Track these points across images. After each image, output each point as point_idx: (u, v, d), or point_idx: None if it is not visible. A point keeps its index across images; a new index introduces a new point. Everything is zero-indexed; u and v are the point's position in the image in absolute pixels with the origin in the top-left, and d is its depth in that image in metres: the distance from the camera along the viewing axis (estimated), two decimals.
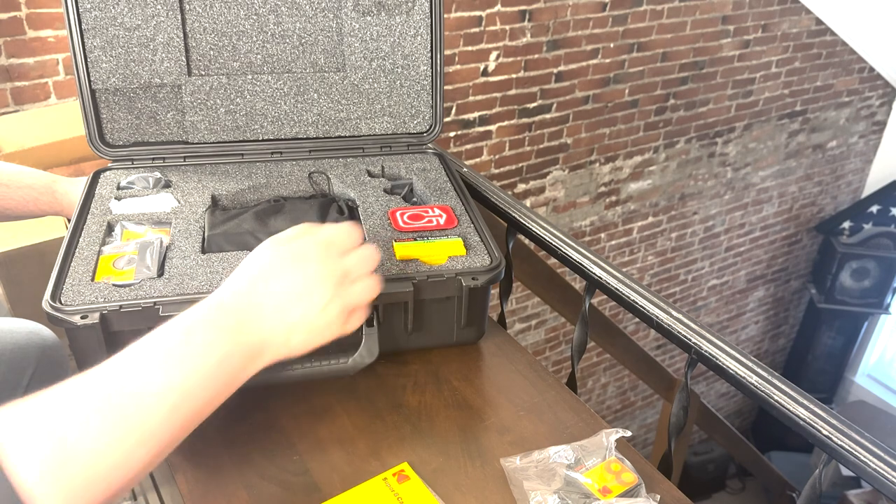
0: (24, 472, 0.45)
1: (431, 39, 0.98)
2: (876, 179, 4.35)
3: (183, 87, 0.94)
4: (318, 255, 0.60)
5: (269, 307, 0.57)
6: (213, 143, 0.97)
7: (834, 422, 0.66)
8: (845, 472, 3.34)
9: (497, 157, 2.82)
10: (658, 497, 0.65)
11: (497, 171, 2.85)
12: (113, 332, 0.69)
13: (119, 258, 0.76)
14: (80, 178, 0.94)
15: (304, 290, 0.58)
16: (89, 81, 0.90)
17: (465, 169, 1.09)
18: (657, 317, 0.81)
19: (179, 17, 0.91)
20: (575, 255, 0.91)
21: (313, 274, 0.59)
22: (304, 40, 0.96)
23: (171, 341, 0.53)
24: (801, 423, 0.67)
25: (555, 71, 2.78)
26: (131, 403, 0.50)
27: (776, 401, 0.69)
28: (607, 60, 2.90)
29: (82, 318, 0.67)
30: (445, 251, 0.80)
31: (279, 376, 0.72)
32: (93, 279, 0.73)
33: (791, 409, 0.68)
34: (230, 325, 0.55)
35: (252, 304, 0.57)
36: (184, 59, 0.92)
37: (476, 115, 2.67)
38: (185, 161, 0.96)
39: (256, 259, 0.60)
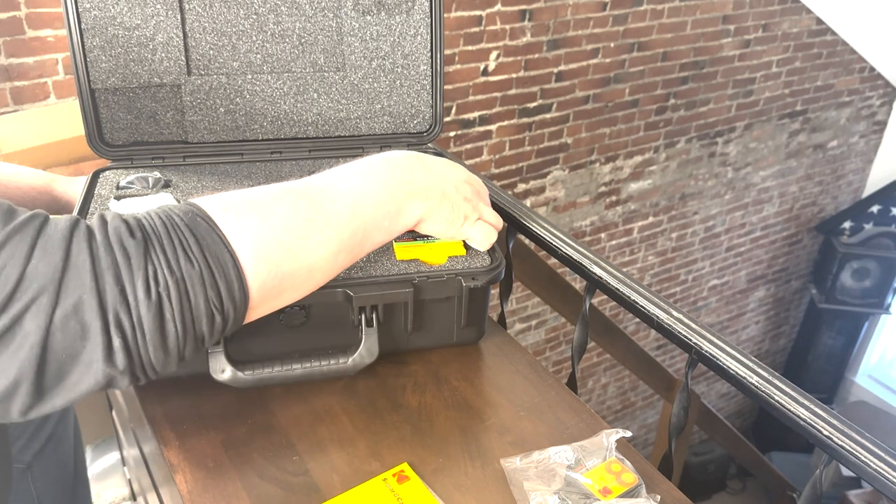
0: (222, 224, 0.52)
1: (431, 39, 0.98)
2: (876, 179, 4.35)
3: (182, 87, 0.94)
4: (468, 177, 0.77)
5: (430, 175, 0.71)
6: (213, 142, 0.97)
7: (834, 422, 0.66)
8: (846, 472, 3.33)
9: (497, 156, 2.82)
10: (658, 497, 0.65)
11: (497, 170, 2.85)
12: None
13: None
14: (79, 177, 0.94)
15: (453, 179, 0.74)
16: (89, 81, 0.90)
17: None
18: (657, 317, 0.81)
19: (179, 17, 0.91)
20: (575, 255, 0.91)
21: (460, 175, 0.75)
22: (303, 40, 0.96)
23: (355, 166, 0.66)
24: (802, 423, 0.67)
25: (555, 70, 2.78)
26: (324, 198, 0.60)
27: (777, 401, 0.69)
28: (607, 60, 2.90)
29: None
30: (445, 251, 0.80)
31: (279, 376, 0.72)
32: None
33: (791, 409, 0.68)
34: (400, 169, 0.69)
35: (412, 173, 0.70)
36: (183, 59, 0.92)
37: (476, 114, 2.66)
38: (184, 161, 0.96)
39: (421, 158, 0.73)
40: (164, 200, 0.87)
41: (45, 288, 0.45)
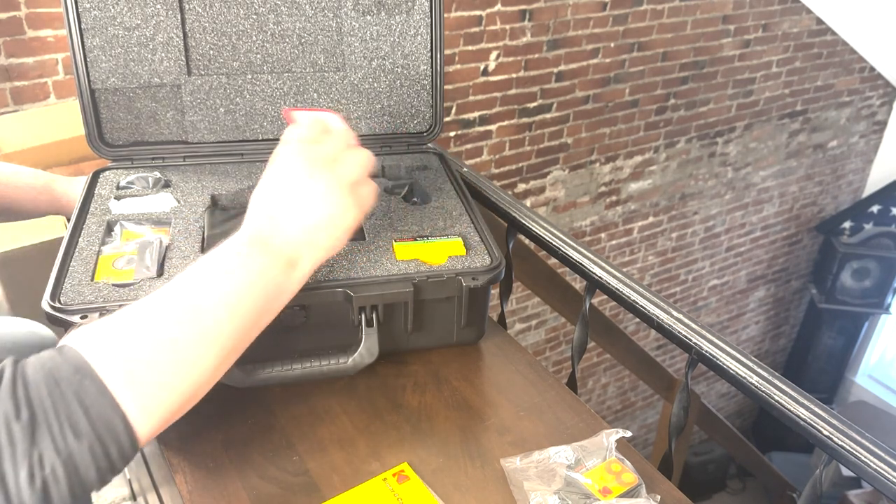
0: (108, 380, 0.50)
1: (431, 39, 0.98)
2: (876, 179, 4.35)
3: (182, 87, 0.94)
4: (296, 151, 0.65)
5: (284, 220, 0.63)
6: (213, 142, 0.97)
7: (834, 422, 0.66)
8: (846, 472, 3.33)
9: (497, 156, 2.82)
10: (658, 497, 0.65)
11: (497, 170, 2.85)
12: None
13: (119, 258, 0.76)
14: (79, 177, 0.94)
15: (300, 189, 0.63)
16: (89, 81, 0.90)
17: (465, 169, 1.08)
18: (657, 317, 0.81)
19: (179, 17, 0.91)
20: (575, 255, 0.91)
21: (301, 173, 0.64)
22: (303, 40, 0.96)
23: (218, 259, 0.60)
24: (802, 423, 0.67)
25: (555, 70, 2.78)
26: (191, 313, 0.56)
27: (777, 401, 0.69)
28: (608, 60, 2.90)
29: (82, 318, 0.67)
30: (445, 251, 0.80)
31: (279, 376, 0.72)
32: (92, 279, 0.73)
33: (791, 409, 0.68)
34: (258, 242, 0.62)
35: (271, 222, 0.63)
36: (183, 59, 0.92)
37: (476, 114, 2.66)
38: (184, 161, 0.96)
39: (261, 188, 0.65)
40: (163, 200, 0.87)
41: None
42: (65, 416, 0.48)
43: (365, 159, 0.66)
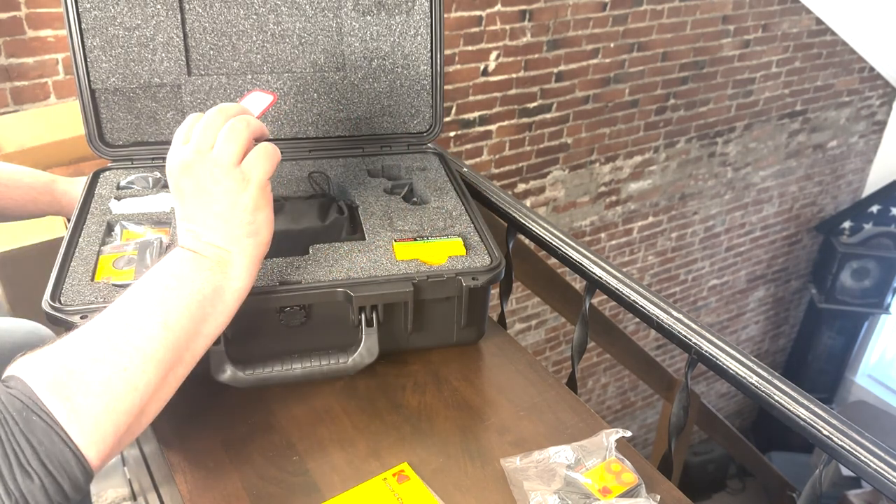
0: (57, 412, 0.49)
1: (431, 39, 0.98)
2: (876, 179, 4.35)
3: (183, 87, 0.94)
4: (170, 162, 0.63)
5: (195, 223, 0.62)
6: None
7: (834, 422, 0.66)
8: (845, 472, 3.33)
9: (497, 156, 2.82)
10: (658, 497, 0.65)
11: (497, 170, 2.85)
12: None
13: (119, 258, 0.76)
14: (79, 177, 0.94)
15: (192, 192, 0.62)
16: (89, 81, 0.90)
17: (465, 169, 1.08)
18: (657, 317, 0.81)
19: (179, 17, 0.91)
20: (575, 255, 0.91)
21: (182, 177, 0.62)
22: (303, 40, 0.96)
23: (148, 276, 0.60)
24: (802, 423, 0.67)
25: (555, 71, 2.78)
26: (126, 333, 0.55)
27: (776, 401, 0.69)
28: (607, 60, 2.90)
29: (82, 318, 0.67)
30: (445, 251, 0.80)
31: (279, 376, 0.72)
32: (92, 279, 0.73)
33: (791, 409, 0.68)
34: (183, 250, 0.62)
35: (188, 230, 0.63)
36: (183, 59, 0.92)
37: (476, 114, 2.66)
38: None
39: (173, 200, 0.65)
40: (163, 200, 0.87)
41: None
42: (13, 457, 0.47)
43: (239, 130, 0.62)
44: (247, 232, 0.63)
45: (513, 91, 2.71)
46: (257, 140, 0.64)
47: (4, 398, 0.49)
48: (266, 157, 0.64)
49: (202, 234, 0.62)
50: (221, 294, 0.61)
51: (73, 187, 0.93)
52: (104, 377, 0.52)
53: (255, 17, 0.93)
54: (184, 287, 0.59)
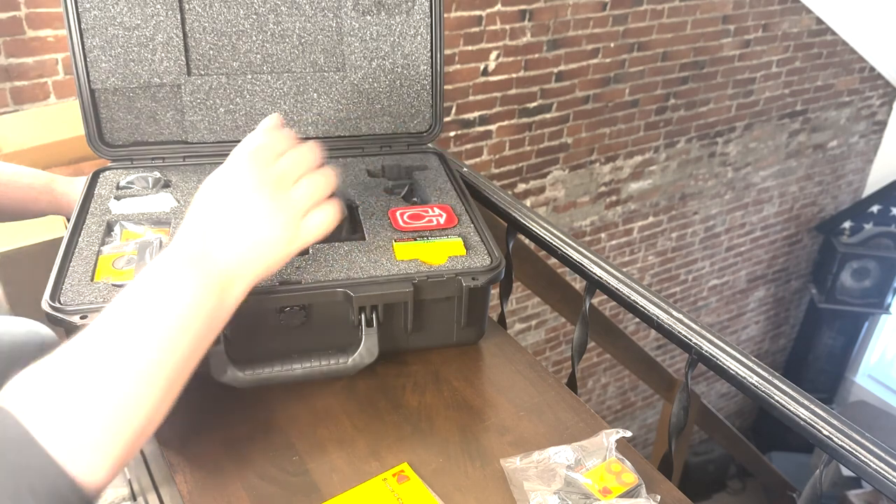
0: (51, 445, 0.46)
1: (431, 39, 0.98)
2: (876, 179, 4.35)
3: (182, 87, 0.94)
4: (249, 168, 0.60)
5: (220, 238, 0.58)
6: (213, 142, 0.97)
7: (834, 422, 0.66)
8: (846, 472, 3.33)
9: (497, 156, 2.82)
10: (658, 497, 0.65)
11: (497, 170, 2.85)
12: None
13: (118, 258, 0.76)
14: (79, 177, 0.94)
15: (244, 209, 0.59)
16: (89, 81, 0.90)
17: (465, 169, 1.08)
18: (657, 317, 0.81)
19: (179, 17, 0.91)
20: (575, 255, 0.91)
21: (248, 189, 0.59)
22: (303, 40, 0.96)
23: (146, 288, 0.55)
24: (802, 423, 0.67)
25: (555, 70, 2.78)
26: (127, 353, 0.52)
27: (777, 401, 0.69)
28: (607, 60, 2.90)
29: (82, 318, 0.67)
30: (445, 251, 0.80)
31: (279, 376, 0.72)
32: (92, 279, 0.73)
33: (791, 409, 0.68)
34: (191, 263, 0.57)
35: (205, 239, 0.58)
36: (183, 59, 0.92)
37: (476, 114, 2.66)
38: (184, 161, 0.96)
39: (200, 197, 0.61)
40: (163, 200, 0.87)
41: None
42: (9, 498, 0.44)
43: (324, 184, 0.62)
44: (259, 272, 0.60)
45: (513, 91, 2.71)
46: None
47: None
48: (326, 225, 0.63)
49: (219, 250, 0.58)
50: (214, 320, 0.58)
51: (72, 187, 0.93)
52: (106, 403, 0.50)
53: (255, 17, 0.93)
54: (191, 308, 0.56)
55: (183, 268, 0.57)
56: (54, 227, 1.27)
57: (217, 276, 0.57)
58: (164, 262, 0.57)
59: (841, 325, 4.59)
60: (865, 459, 0.62)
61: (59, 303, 0.69)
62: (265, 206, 0.59)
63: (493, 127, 2.73)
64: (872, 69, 3.86)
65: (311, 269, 0.76)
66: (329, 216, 0.63)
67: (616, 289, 0.86)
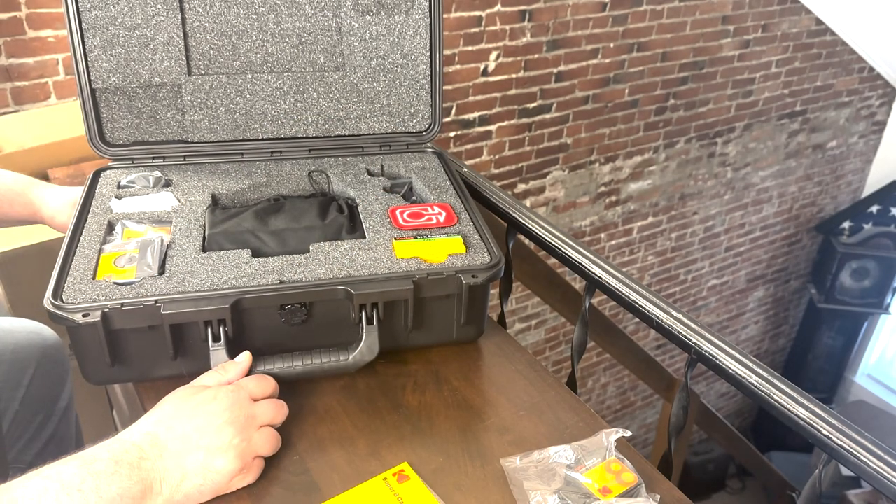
0: None
1: (431, 39, 0.98)
2: (876, 179, 4.35)
3: (183, 87, 0.94)
4: (227, 398, 0.64)
5: (170, 449, 0.60)
6: (213, 142, 0.97)
7: (834, 422, 0.66)
8: (845, 472, 3.33)
9: (497, 157, 2.82)
10: (658, 497, 0.65)
11: (497, 171, 2.85)
12: (114, 330, 0.70)
13: (120, 257, 0.76)
14: (62, 186, 0.93)
15: (206, 432, 0.61)
16: (89, 81, 0.90)
17: (464, 169, 1.09)
18: (657, 317, 0.81)
19: (179, 17, 0.91)
20: (575, 255, 0.91)
21: (219, 416, 0.62)
22: (303, 39, 0.96)
23: (73, 471, 0.55)
24: (801, 423, 0.67)
25: (555, 71, 2.78)
26: None
27: (776, 401, 0.69)
28: (607, 60, 2.90)
29: (84, 316, 0.67)
30: (445, 249, 0.80)
31: (280, 373, 0.72)
32: (94, 277, 0.73)
33: (791, 409, 0.68)
34: (129, 460, 0.57)
35: (155, 443, 0.60)
36: (184, 59, 0.92)
37: (476, 115, 2.66)
38: (185, 160, 0.96)
39: (169, 400, 0.64)
40: (164, 199, 0.87)
41: None
42: None
43: (279, 414, 0.68)
44: (192, 485, 0.60)
45: (513, 91, 2.71)
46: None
47: None
48: (273, 449, 0.67)
49: (153, 461, 0.58)
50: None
51: (49, 194, 0.91)
52: None
53: (255, 16, 0.93)
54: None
55: (114, 466, 0.56)
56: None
57: (141, 484, 0.57)
58: (101, 452, 0.57)
59: (840, 325, 4.60)
60: (865, 459, 0.63)
61: (61, 301, 0.69)
62: (226, 439, 0.62)
63: (492, 127, 2.73)
64: (872, 69, 3.86)
65: (311, 267, 0.77)
66: (275, 441, 0.67)
67: (616, 289, 0.86)
